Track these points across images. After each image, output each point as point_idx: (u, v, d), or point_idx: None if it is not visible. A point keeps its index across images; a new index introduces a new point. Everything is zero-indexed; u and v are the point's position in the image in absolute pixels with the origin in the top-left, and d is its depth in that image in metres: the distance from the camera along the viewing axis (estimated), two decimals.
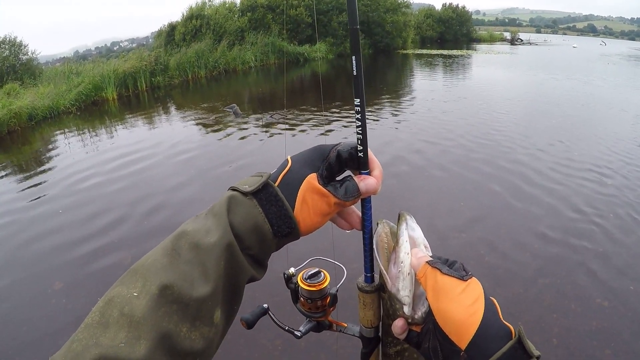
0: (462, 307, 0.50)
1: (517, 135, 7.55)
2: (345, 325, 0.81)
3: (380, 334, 0.72)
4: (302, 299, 0.82)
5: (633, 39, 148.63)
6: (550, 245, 3.97)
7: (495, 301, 0.53)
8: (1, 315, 3.28)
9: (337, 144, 0.60)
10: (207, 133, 8.72)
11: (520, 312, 3.09)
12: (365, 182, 0.59)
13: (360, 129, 0.58)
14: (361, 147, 0.59)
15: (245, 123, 9.08)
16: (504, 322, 0.50)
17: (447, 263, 0.56)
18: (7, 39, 16.73)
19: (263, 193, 0.56)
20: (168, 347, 0.46)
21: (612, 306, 3.13)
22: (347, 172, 0.63)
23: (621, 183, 5.40)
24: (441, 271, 0.53)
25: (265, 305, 0.83)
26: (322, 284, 0.78)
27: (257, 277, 0.58)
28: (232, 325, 0.58)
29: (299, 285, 0.79)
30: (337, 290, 0.80)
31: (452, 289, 0.52)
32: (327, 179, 0.59)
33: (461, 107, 10.37)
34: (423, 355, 0.58)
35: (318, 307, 0.82)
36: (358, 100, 0.58)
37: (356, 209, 0.64)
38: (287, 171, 0.58)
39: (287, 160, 0.59)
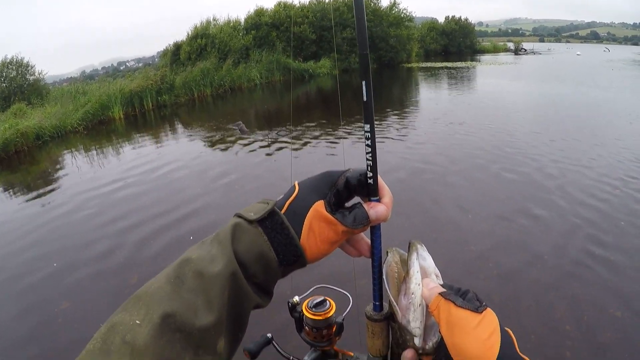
0: (478, 341, 0.48)
1: (524, 145, 7.52)
2: (352, 354, 0.78)
3: None
4: (306, 328, 0.78)
5: (636, 44, 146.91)
6: (560, 256, 3.89)
7: (510, 332, 0.51)
8: (22, 333, 3.26)
9: (345, 170, 0.59)
10: (214, 150, 8.77)
11: (533, 325, 3.03)
12: (375, 210, 0.57)
13: (370, 155, 0.57)
14: (371, 174, 0.57)
15: (251, 139, 9.14)
16: (521, 354, 0.48)
17: (459, 293, 0.54)
18: (15, 59, 16.99)
19: (269, 221, 0.55)
20: None
21: (625, 316, 3.08)
22: (356, 199, 0.61)
23: (634, 190, 5.32)
24: (455, 303, 0.51)
25: (269, 335, 0.80)
26: (327, 312, 0.75)
27: (262, 305, 0.57)
28: (235, 354, 0.56)
29: (303, 314, 0.75)
30: (343, 319, 0.77)
31: (467, 322, 0.49)
32: (335, 206, 0.57)
33: (469, 119, 10.35)
34: None
35: (323, 336, 0.79)
36: (368, 126, 0.56)
37: (365, 236, 0.62)
38: (294, 198, 0.56)
39: (294, 186, 0.58)
